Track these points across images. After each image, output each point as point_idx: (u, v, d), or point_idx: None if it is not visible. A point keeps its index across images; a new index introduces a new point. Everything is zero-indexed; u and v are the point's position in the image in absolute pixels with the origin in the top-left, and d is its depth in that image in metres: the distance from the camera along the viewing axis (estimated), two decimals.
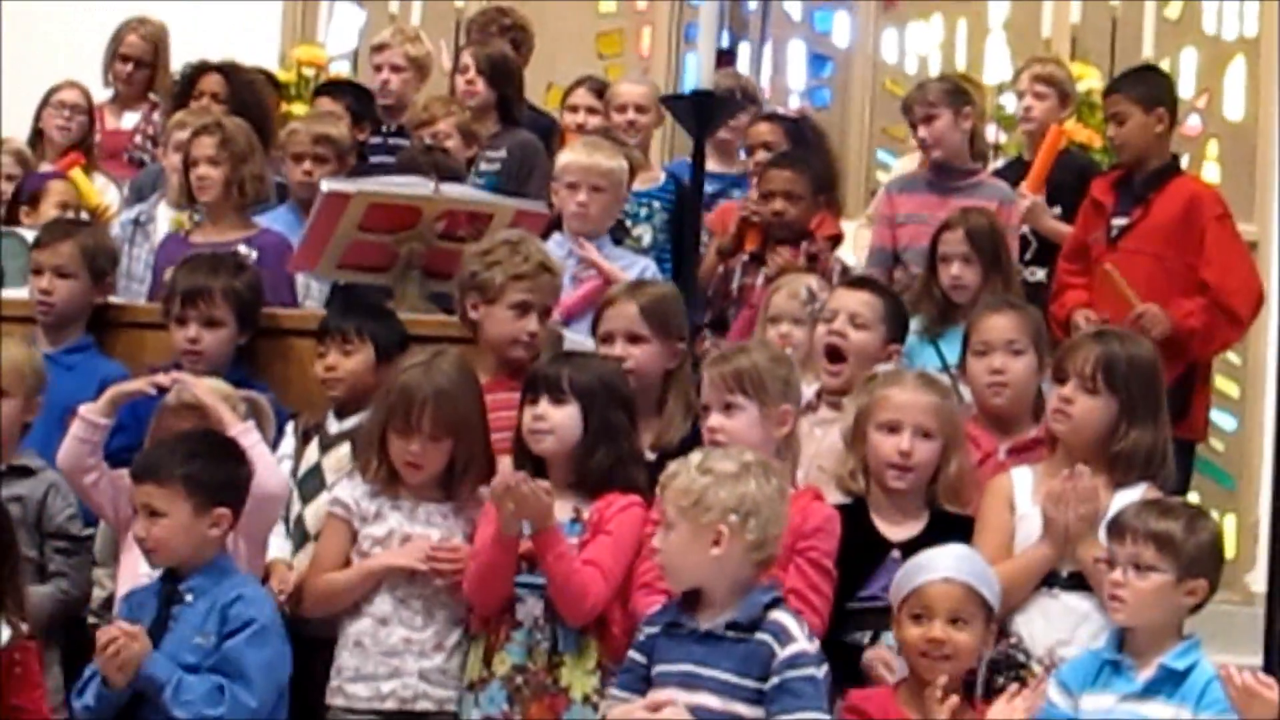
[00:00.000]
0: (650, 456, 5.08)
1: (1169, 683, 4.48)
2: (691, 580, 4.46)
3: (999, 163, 8.38)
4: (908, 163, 8.19)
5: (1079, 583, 4.77)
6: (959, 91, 7.44)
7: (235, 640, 4.59)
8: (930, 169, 7.46)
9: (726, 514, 4.39)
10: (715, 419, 4.89)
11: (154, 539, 4.70)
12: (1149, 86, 7.03)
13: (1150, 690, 4.49)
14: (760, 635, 4.37)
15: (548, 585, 4.78)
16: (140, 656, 4.53)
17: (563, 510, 4.85)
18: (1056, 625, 4.77)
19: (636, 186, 7.08)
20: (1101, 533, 4.67)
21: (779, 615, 4.40)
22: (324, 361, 5.50)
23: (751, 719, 4.33)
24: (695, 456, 4.51)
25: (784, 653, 4.34)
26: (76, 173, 7.66)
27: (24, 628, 4.63)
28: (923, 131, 7.38)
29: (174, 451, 4.78)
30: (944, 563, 4.60)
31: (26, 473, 5.34)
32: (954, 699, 4.43)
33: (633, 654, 4.52)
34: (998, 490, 4.96)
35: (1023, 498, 4.92)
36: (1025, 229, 7.24)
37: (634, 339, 5.40)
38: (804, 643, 4.39)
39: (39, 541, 5.26)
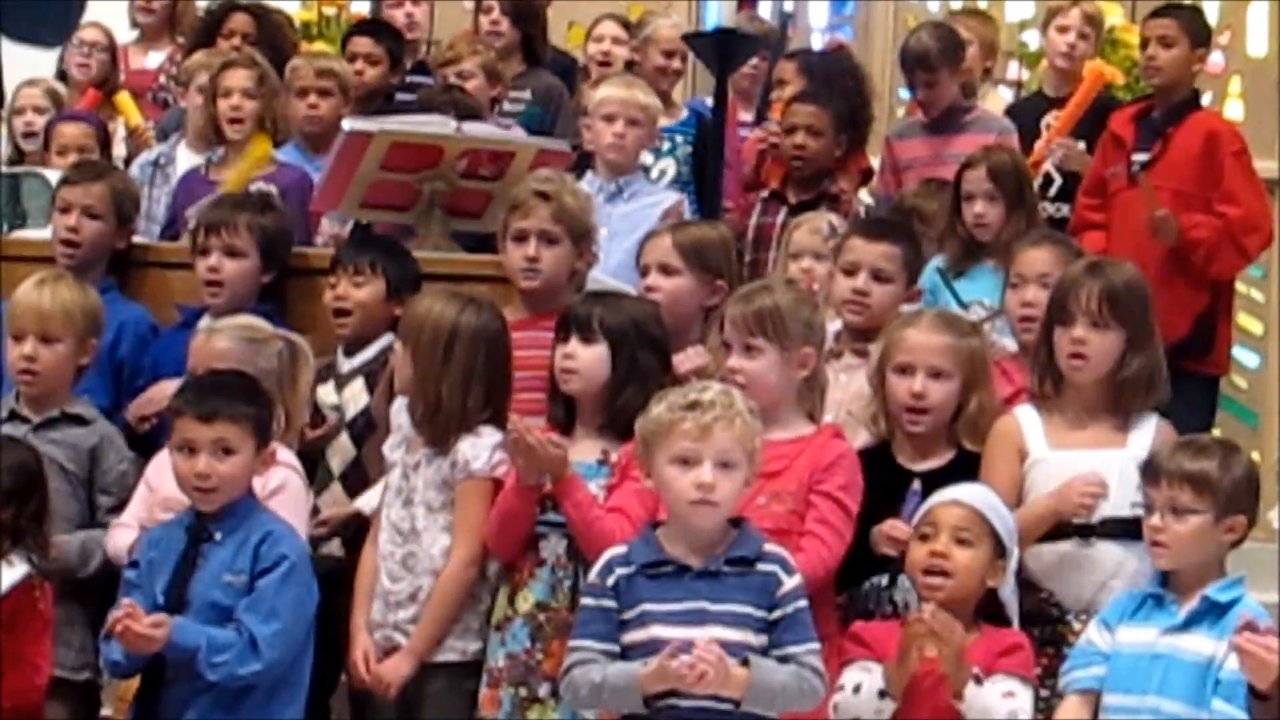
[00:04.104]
0: None
1: (1211, 614, 4.46)
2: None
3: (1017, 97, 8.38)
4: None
5: (1112, 530, 4.76)
6: (956, 46, 7.39)
7: (268, 578, 4.61)
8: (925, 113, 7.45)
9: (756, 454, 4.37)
10: (735, 360, 4.85)
11: (222, 476, 4.67)
12: (1199, 25, 7.08)
13: (1191, 622, 4.47)
14: (764, 566, 4.30)
15: (572, 531, 4.77)
16: (163, 640, 4.51)
17: (591, 452, 4.85)
18: (1089, 577, 4.78)
19: (660, 122, 7.08)
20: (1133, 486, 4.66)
21: (773, 547, 4.35)
22: (334, 291, 5.52)
23: (759, 645, 4.24)
24: (738, 401, 4.33)
25: (789, 583, 4.29)
26: (123, 96, 7.64)
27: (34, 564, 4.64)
28: (923, 95, 7.36)
29: (236, 389, 4.78)
30: (956, 491, 4.60)
31: (80, 421, 5.28)
32: (935, 616, 4.36)
33: (600, 601, 4.32)
34: (1004, 434, 4.91)
35: (1035, 440, 4.89)
36: (1050, 167, 7.23)
37: (666, 270, 5.42)
38: (800, 574, 4.37)
39: (87, 495, 5.20)
